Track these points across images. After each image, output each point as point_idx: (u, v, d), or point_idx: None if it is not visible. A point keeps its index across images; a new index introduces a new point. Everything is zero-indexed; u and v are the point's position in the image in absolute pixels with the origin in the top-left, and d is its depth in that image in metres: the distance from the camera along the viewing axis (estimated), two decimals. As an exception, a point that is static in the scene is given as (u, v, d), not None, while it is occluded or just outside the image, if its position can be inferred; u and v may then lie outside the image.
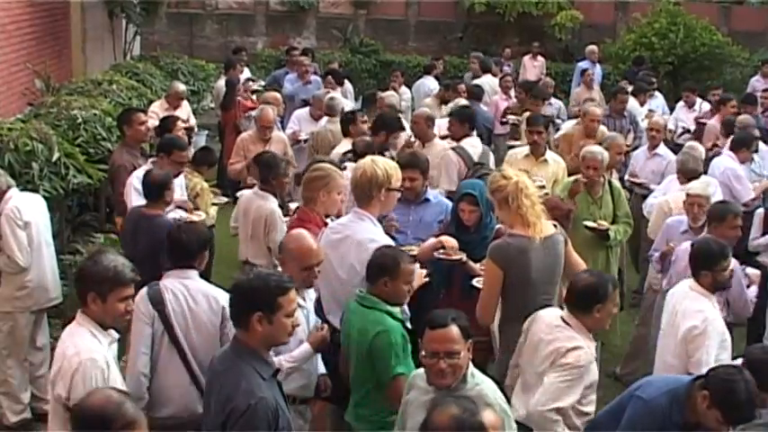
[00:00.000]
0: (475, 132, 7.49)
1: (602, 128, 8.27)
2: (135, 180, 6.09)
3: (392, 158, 6.09)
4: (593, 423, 4.02)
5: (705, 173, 7.00)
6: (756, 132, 8.19)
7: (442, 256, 4.95)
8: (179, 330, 4.09)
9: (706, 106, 10.52)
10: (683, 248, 5.53)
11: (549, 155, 7.21)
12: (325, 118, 8.31)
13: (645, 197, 7.40)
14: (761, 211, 6.62)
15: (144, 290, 4.11)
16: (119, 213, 6.72)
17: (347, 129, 7.27)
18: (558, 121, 10.00)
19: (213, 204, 6.91)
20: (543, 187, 6.34)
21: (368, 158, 4.80)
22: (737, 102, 9.75)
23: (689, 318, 4.48)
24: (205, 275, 4.54)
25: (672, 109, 11.06)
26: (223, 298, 4.04)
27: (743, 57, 15.76)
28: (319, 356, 4.23)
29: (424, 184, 5.60)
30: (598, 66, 13.67)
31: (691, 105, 10.66)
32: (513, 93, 10.93)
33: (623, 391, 4.05)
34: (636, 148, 8.71)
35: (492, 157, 7.35)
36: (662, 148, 8.09)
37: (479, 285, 4.71)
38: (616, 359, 6.47)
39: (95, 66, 12.58)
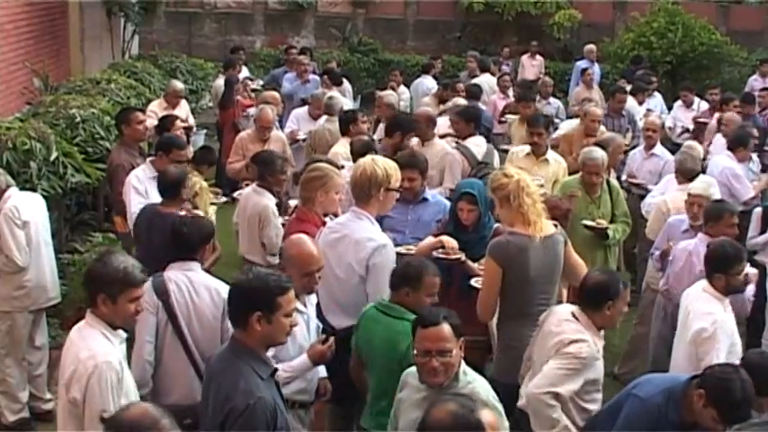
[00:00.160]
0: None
1: (602, 128, 8.28)
2: (134, 179, 6.10)
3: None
4: (591, 422, 4.03)
5: (703, 172, 7.01)
6: (754, 131, 8.21)
7: (440, 256, 4.96)
8: (182, 321, 4.18)
9: (704, 105, 10.53)
10: (680, 248, 5.54)
11: (551, 154, 7.21)
12: (324, 117, 8.31)
13: (642, 197, 7.39)
14: (758, 210, 6.63)
15: (149, 280, 4.16)
16: (117, 212, 6.73)
17: (347, 128, 7.26)
18: (556, 120, 10.01)
19: (212, 204, 6.90)
20: (542, 186, 6.34)
21: (368, 157, 4.80)
22: (722, 100, 9.76)
23: (698, 320, 4.49)
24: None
25: (670, 108, 11.07)
26: (225, 290, 4.09)
27: (741, 56, 15.76)
28: None
29: (423, 184, 5.61)
30: (596, 65, 13.68)
31: (689, 105, 10.66)
32: (511, 92, 10.94)
33: (621, 390, 4.05)
34: (634, 147, 8.72)
35: (497, 157, 7.34)
36: (659, 148, 8.09)
37: (478, 285, 4.71)
38: (614, 358, 6.47)
39: (94, 65, 12.58)
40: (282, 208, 6.17)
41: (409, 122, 7.06)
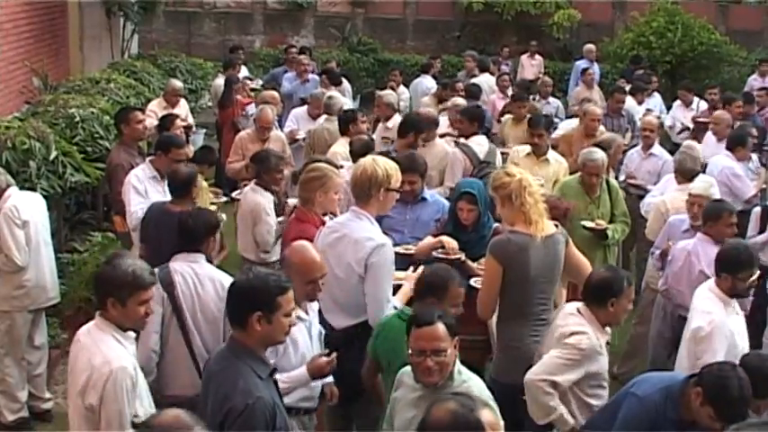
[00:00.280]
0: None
1: (601, 127, 8.27)
2: (133, 179, 6.10)
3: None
4: (590, 422, 4.04)
5: (703, 172, 7.01)
6: (753, 131, 8.21)
7: (440, 256, 4.96)
8: (187, 313, 4.28)
9: (704, 105, 10.53)
10: (679, 248, 5.54)
11: (551, 154, 7.21)
12: (324, 116, 8.31)
13: (641, 197, 7.39)
14: (757, 209, 6.63)
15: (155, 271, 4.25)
16: (116, 212, 6.73)
17: (346, 128, 7.26)
18: (555, 120, 10.00)
19: (212, 204, 6.90)
20: (542, 186, 6.35)
21: (369, 157, 4.79)
22: (726, 100, 9.76)
23: (697, 318, 4.51)
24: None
25: (669, 108, 11.07)
26: (229, 283, 4.11)
27: (741, 56, 15.76)
28: None
29: (422, 186, 5.62)
30: (596, 65, 13.68)
31: (688, 104, 10.66)
32: (510, 92, 10.92)
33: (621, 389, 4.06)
34: (633, 147, 8.72)
35: (499, 156, 7.33)
36: (657, 148, 8.08)
37: (477, 285, 4.71)
38: (614, 358, 6.46)
39: (93, 64, 12.59)
40: (281, 208, 6.18)
41: (422, 122, 7.12)
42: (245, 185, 6.52)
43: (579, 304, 4.23)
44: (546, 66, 15.14)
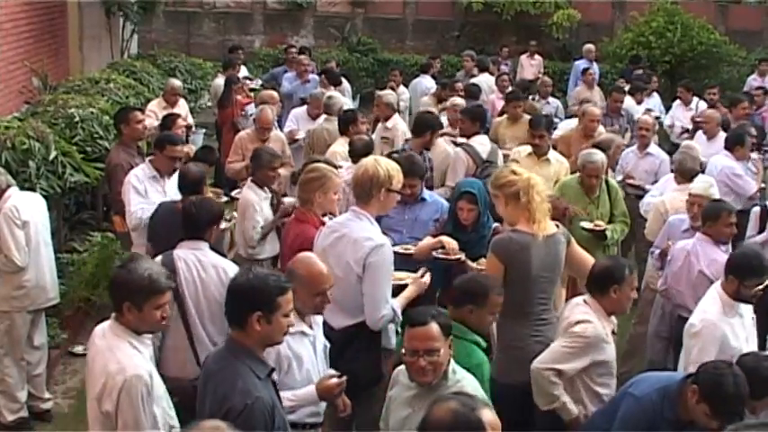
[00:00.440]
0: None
1: (600, 128, 8.27)
2: (133, 178, 6.10)
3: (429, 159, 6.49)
4: (589, 422, 4.04)
5: (702, 172, 7.01)
6: (752, 130, 8.21)
7: (440, 256, 4.96)
8: (189, 299, 4.38)
9: (703, 105, 10.53)
10: (678, 248, 5.54)
11: (552, 154, 7.19)
12: (323, 117, 8.31)
13: (639, 197, 7.39)
14: (757, 209, 6.63)
15: (159, 258, 4.38)
16: (116, 212, 6.73)
17: (346, 128, 7.26)
18: (555, 120, 10.00)
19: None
20: (543, 186, 6.35)
21: (371, 157, 4.79)
22: (731, 101, 9.76)
23: (694, 315, 4.53)
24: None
25: (668, 108, 11.08)
26: (232, 270, 4.33)
27: (740, 56, 15.78)
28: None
29: (422, 187, 5.63)
30: (595, 64, 13.68)
31: (687, 103, 10.66)
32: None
33: (619, 389, 4.06)
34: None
35: (501, 156, 7.33)
36: (653, 147, 8.08)
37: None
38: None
39: (92, 64, 12.59)
40: (277, 206, 6.19)
41: (438, 121, 7.15)
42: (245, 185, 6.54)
43: (585, 296, 4.31)
44: (545, 66, 15.14)
